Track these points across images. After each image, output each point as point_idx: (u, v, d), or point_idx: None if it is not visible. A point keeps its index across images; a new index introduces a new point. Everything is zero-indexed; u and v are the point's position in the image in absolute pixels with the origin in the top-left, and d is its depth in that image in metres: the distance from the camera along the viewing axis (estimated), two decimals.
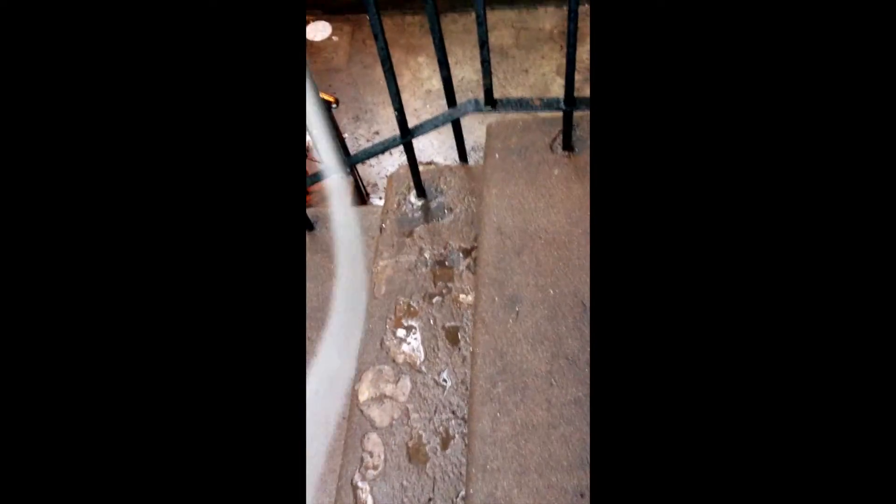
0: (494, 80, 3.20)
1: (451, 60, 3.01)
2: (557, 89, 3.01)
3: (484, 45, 1.17)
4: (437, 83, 3.15)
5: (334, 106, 2.46)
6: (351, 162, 1.44)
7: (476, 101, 1.28)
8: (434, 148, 3.05)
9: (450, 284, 1.31)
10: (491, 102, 1.27)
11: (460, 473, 1.08)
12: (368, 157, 1.41)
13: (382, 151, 1.37)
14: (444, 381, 1.20)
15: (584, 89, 2.92)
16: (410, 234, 1.40)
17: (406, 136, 1.31)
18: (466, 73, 3.23)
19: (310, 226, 1.55)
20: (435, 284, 1.31)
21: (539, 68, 3.07)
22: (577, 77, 3.06)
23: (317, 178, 1.41)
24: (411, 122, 1.28)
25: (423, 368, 1.22)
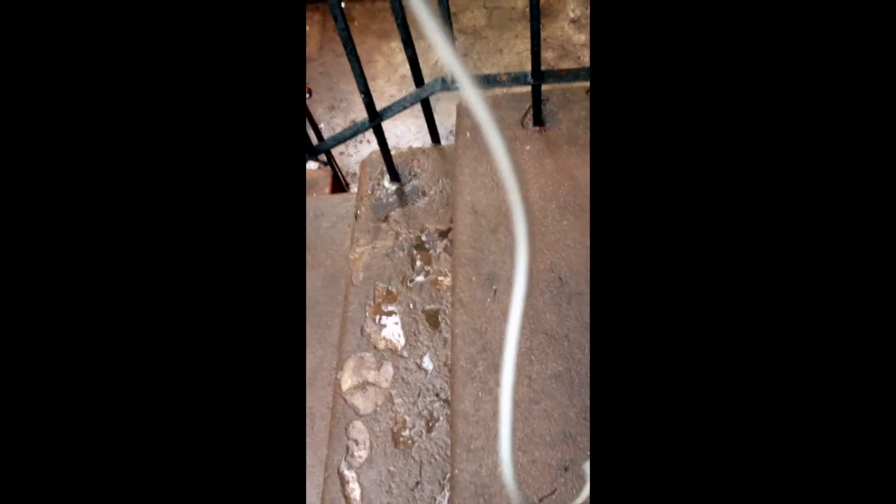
0: (469, 61, 3.15)
1: (423, 44, 2.96)
2: None
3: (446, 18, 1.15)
4: None
5: (307, 95, 2.43)
6: (321, 149, 1.42)
7: (443, 80, 1.26)
8: (412, 134, 3.02)
9: (428, 267, 1.29)
10: None
11: (446, 455, 1.07)
12: (338, 143, 1.39)
13: (352, 136, 1.35)
14: (426, 364, 1.19)
15: (560, 64, 2.89)
16: (386, 218, 1.38)
17: (374, 118, 1.29)
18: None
19: None
20: (413, 268, 1.30)
21: (513, 48, 3.03)
22: (551, 53, 3.01)
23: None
24: None
25: (405, 353, 1.21)
